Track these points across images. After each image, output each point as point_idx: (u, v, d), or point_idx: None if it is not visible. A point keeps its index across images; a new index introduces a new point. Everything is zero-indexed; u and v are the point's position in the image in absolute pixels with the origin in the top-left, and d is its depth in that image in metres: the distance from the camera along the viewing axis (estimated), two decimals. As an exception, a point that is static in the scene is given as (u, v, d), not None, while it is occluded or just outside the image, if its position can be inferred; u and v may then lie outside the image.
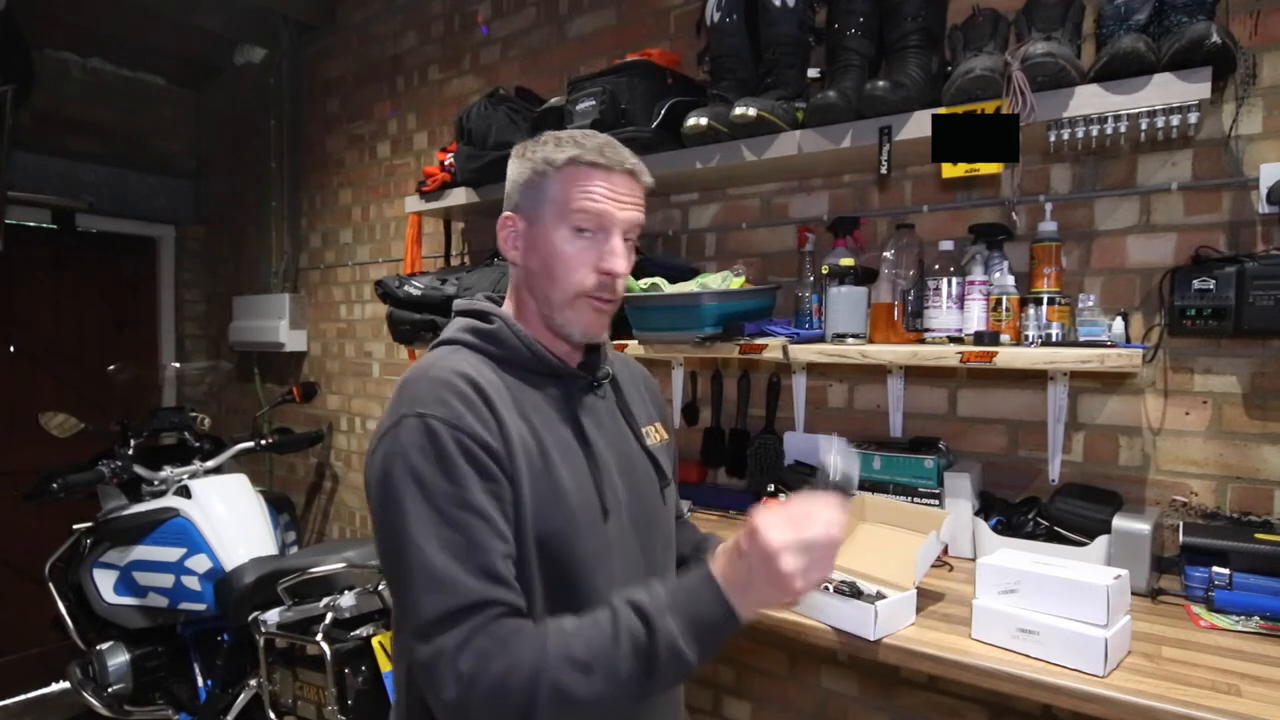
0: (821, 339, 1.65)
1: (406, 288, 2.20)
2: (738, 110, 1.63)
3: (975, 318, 1.49)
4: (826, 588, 1.26)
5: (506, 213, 1.00)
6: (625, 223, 0.95)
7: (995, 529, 1.48)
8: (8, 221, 3.17)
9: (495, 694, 0.75)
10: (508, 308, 1.02)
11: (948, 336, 1.51)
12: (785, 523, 0.79)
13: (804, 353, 1.60)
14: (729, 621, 0.79)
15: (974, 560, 1.43)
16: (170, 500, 2.36)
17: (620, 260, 0.94)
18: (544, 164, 0.95)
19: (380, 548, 0.86)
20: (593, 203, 0.92)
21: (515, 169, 0.99)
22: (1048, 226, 1.49)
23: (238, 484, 2.47)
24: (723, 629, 0.80)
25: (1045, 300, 1.41)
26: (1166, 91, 1.25)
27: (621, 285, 0.97)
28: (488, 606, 0.79)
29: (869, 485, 1.63)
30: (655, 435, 1.10)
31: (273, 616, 2.06)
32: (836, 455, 0.93)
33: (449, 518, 0.81)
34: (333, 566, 1.96)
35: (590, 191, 0.92)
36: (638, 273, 1.86)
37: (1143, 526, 1.31)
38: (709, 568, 0.81)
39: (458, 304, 1.03)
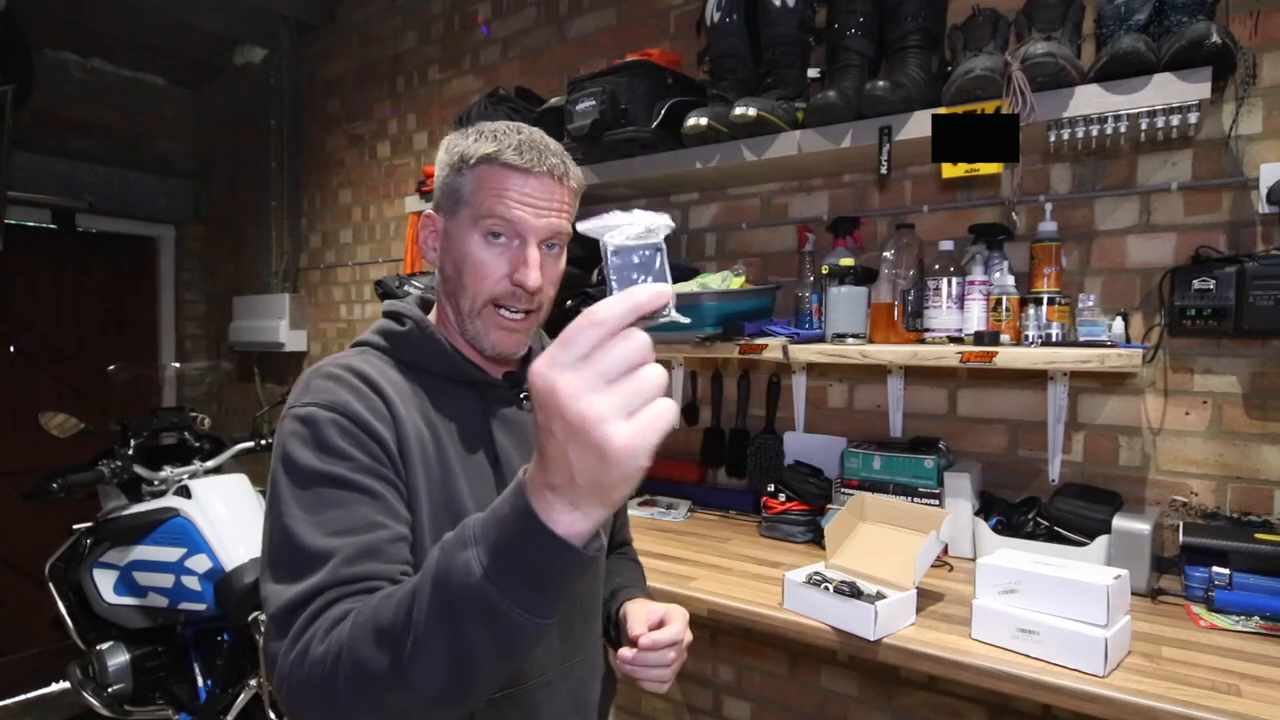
0: (821, 339, 1.65)
1: (406, 288, 2.20)
2: (738, 110, 1.63)
3: (975, 318, 1.49)
4: (827, 587, 1.27)
5: (427, 210, 0.93)
6: (543, 230, 0.86)
7: (995, 529, 1.48)
8: (8, 221, 3.17)
9: (309, 682, 0.64)
10: (434, 311, 0.95)
11: (948, 336, 1.51)
12: (555, 351, 0.51)
13: (804, 353, 1.59)
14: (541, 537, 0.53)
15: (974, 560, 1.43)
16: (170, 500, 2.35)
17: (533, 272, 0.85)
18: (459, 160, 0.87)
19: (262, 543, 0.77)
20: (505, 208, 0.84)
21: (438, 162, 0.91)
22: (1048, 226, 1.49)
23: (238, 484, 2.47)
24: (536, 549, 0.54)
25: (1045, 300, 1.41)
26: (1166, 91, 1.25)
27: (543, 299, 0.89)
28: (349, 584, 0.69)
29: (869, 485, 1.63)
30: None
31: (273, 616, 2.06)
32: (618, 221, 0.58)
33: (324, 498, 0.74)
34: (333, 566, 1.96)
35: (504, 195, 0.84)
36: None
37: (1143, 526, 1.31)
38: (520, 483, 0.56)
39: (385, 304, 0.96)
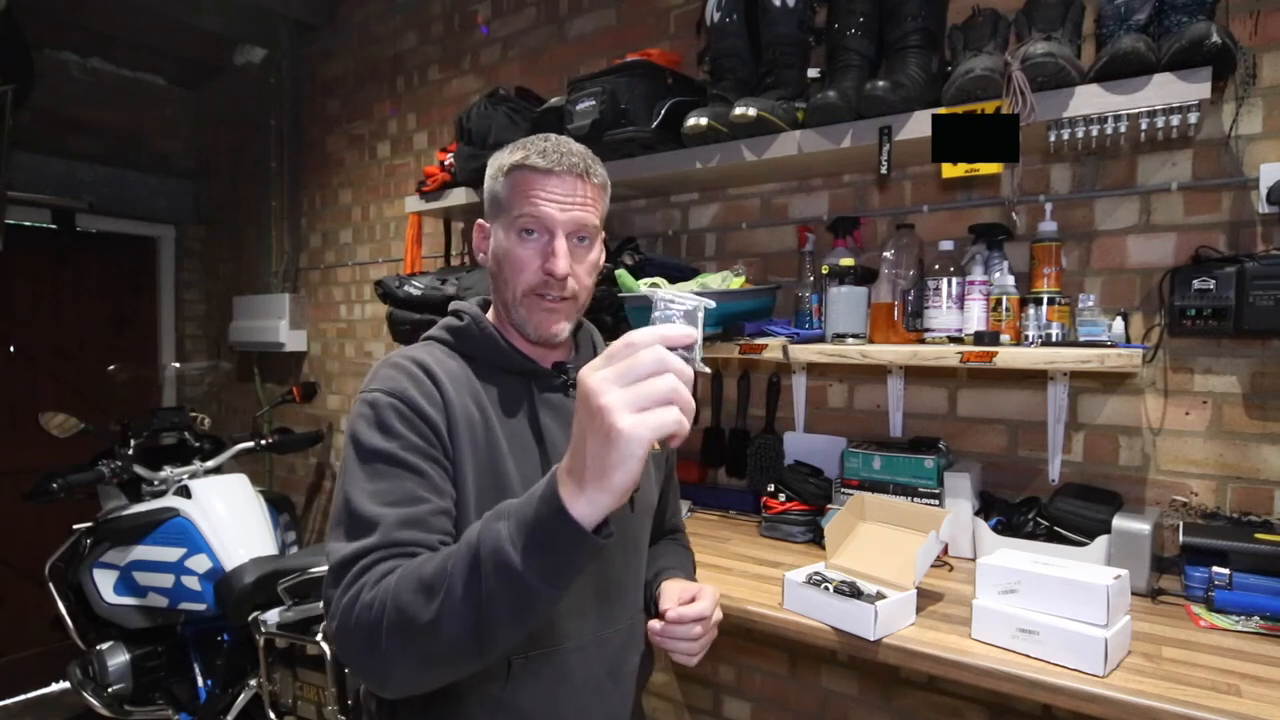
0: (821, 339, 1.65)
1: (406, 288, 2.20)
2: (738, 110, 1.63)
3: (975, 318, 1.49)
4: (827, 587, 1.27)
5: (479, 221, 1.06)
6: (569, 223, 0.97)
7: (995, 529, 1.48)
8: (8, 221, 3.17)
9: (356, 621, 0.76)
10: (490, 311, 1.07)
11: (948, 336, 1.51)
12: (597, 359, 0.67)
13: (804, 353, 1.59)
14: (557, 519, 0.66)
15: (974, 560, 1.43)
16: (170, 500, 2.36)
17: (561, 260, 0.95)
18: (497, 171, 1.00)
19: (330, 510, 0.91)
20: (533, 206, 0.95)
21: (485, 178, 1.04)
22: (1048, 226, 1.49)
23: (238, 484, 2.47)
24: (553, 527, 0.66)
25: (1045, 300, 1.41)
26: (1166, 91, 1.25)
27: (574, 285, 0.99)
28: (389, 547, 0.81)
29: (869, 485, 1.63)
30: None
31: (273, 616, 2.06)
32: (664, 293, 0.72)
33: (379, 473, 0.86)
34: (333, 566, 1.96)
35: (532, 195, 0.96)
36: (637, 273, 1.86)
37: (1143, 526, 1.31)
38: (555, 467, 0.70)
39: (451, 305, 1.08)
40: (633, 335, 0.64)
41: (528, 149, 0.97)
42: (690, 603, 1.01)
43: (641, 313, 1.79)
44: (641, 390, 0.62)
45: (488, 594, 0.69)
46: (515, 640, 0.74)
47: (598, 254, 1.03)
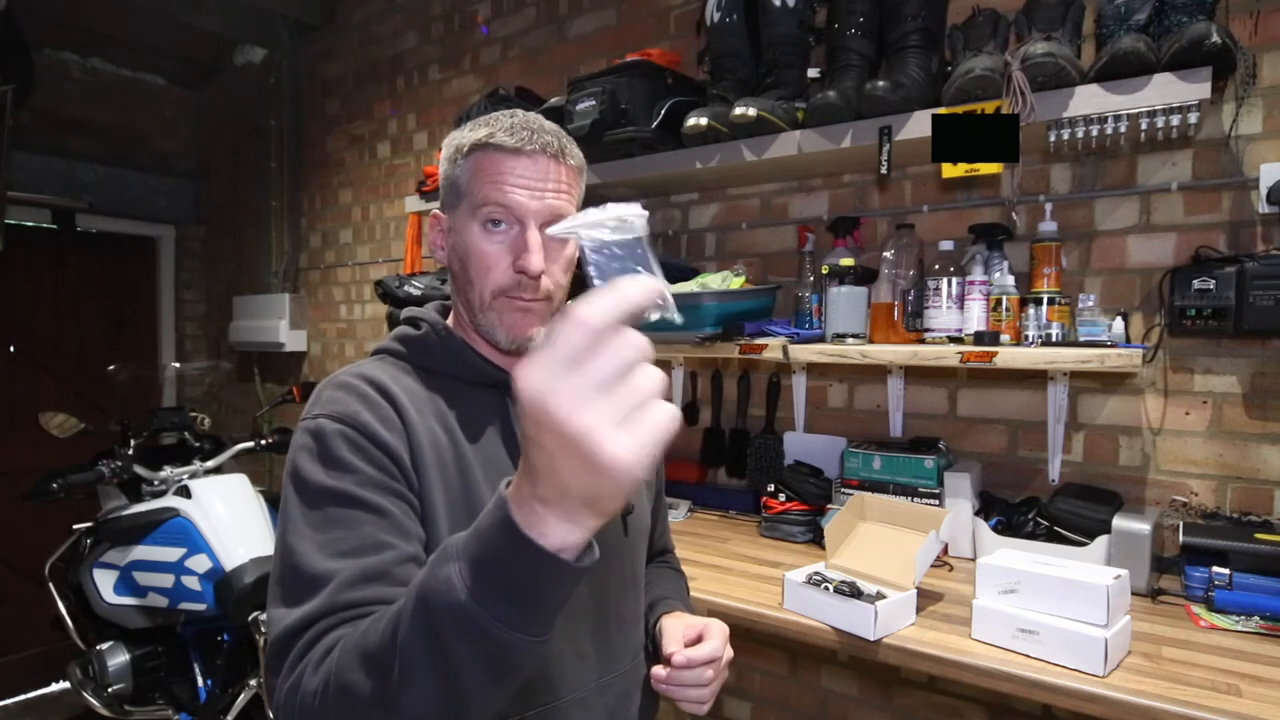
0: (821, 339, 1.65)
1: (406, 288, 2.20)
2: (738, 110, 1.63)
3: (975, 318, 1.49)
4: (827, 587, 1.27)
5: (434, 211, 0.90)
6: (542, 212, 0.82)
7: (995, 529, 1.48)
8: (8, 221, 3.17)
9: (305, 709, 0.61)
10: (452, 314, 0.92)
11: (948, 336, 1.51)
12: (541, 355, 0.46)
13: (804, 353, 1.59)
14: (525, 550, 0.50)
15: (974, 560, 1.43)
16: (170, 500, 2.35)
17: (534, 256, 0.81)
18: (455, 152, 0.85)
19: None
20: (501, 193, 0.80)
21: (441, 159, 0.89)
22: (1048, 226, 1.49)
23: (238, 484, 2.47)
24: (508, 555, 0.51)
25: (1045, 300, 1.41)
26: (1166, 91, 1.25)
27: (549, 282, 0.84)
28: (345, 610, 0.66)
29: (869, 485, 1.63)
30: None
31: (273, 616, 2.06)
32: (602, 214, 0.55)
33: (329, 517, 0.71)
34: (333, 566, 1.96)
35: (499, 179, 0.81)
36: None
37: (1143, 526, 1.31)
38: (502, 493, 0.53)
39: (403, 312, 0.94)
40: (584, 310, 0.45)
41: (492, 126, 0.82)
42: (697, 642, 0.90)
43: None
44: (625, 396, 0.45)
45: (451, 658, 0.54)
46: (501, 701, 0.58)
47: (574, 249, 0.87)
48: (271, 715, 0.67)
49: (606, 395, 0.45)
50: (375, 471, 0.74)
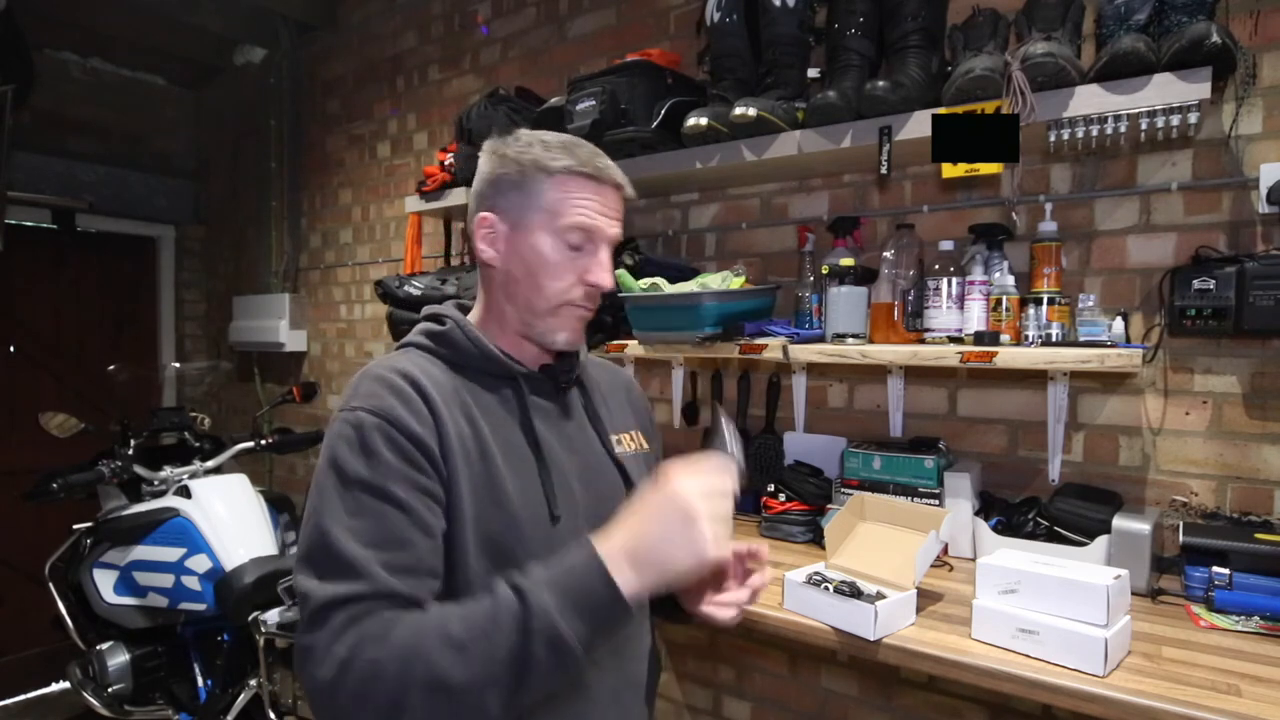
0: (821, 339, 1.65)
1: (406, 288, 2.20)
2: (738, 110, 1.63)
3: (975, 318, 1.49)
4: (827, 587, 1.27)
5: (483, 213, 0.96)
6: (614, 238, 0.96)
7: (995, 529, 1.48)
8: (8, 221, 3.17)
9: (368, 678, 0.71)
10: (476, 311, 1.01)
11: (948, 336, 1.51)
12: (693, 474, 0.78)
13: (804, 353, 1.59)
14: (608, 594, 0.73)
15: (974, 560, 1.43)
16: (170, 500, 2.35)
17: (608, 275, 0.94)
18: (534, 168, 0.92)
19: (300, 535, 0.84)
20: (587, 218, 0.92)
21: (491, 166, 0.96)
22: (1048, 226, 1.49)
23: (238, 484, 2.47)
24: (602, 602, 0.73)
25: (1045, 300, 1.41)
26: (1166, 91, 1.25)
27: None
28: (382, 598, 0.76)
29: (869, 485, 1.63)
30: (629, 444, 1.08)
31: (273, 616, 2.06)
32: (727, 427, 0.98)
33: (363, 506, 0.80)
34: (333, 566, 1.95)
35: (584, 205, 0.92)
36: (637, 273, 1.86)
37: (1143, 526, 1.31)
38: (590, 542, 0.76)
39: (425, 309, 1.03)
40: (720, 476, 0.80)
41: (573, 154, 0.92)
42: (747, 556, 0.99)
43: (640, 313, 1.79)
44: (718, 509, 0.76)
45: (536, 658, 0.71)
46: (540, 693, 0.76)
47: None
48: (318, 678, 0.75)
49: (709, 501, 0.76)
50: (407, 466, 0.83)
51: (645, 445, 1.11)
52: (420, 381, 0.88)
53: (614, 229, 0.96)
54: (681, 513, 0.74)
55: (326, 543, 0.78)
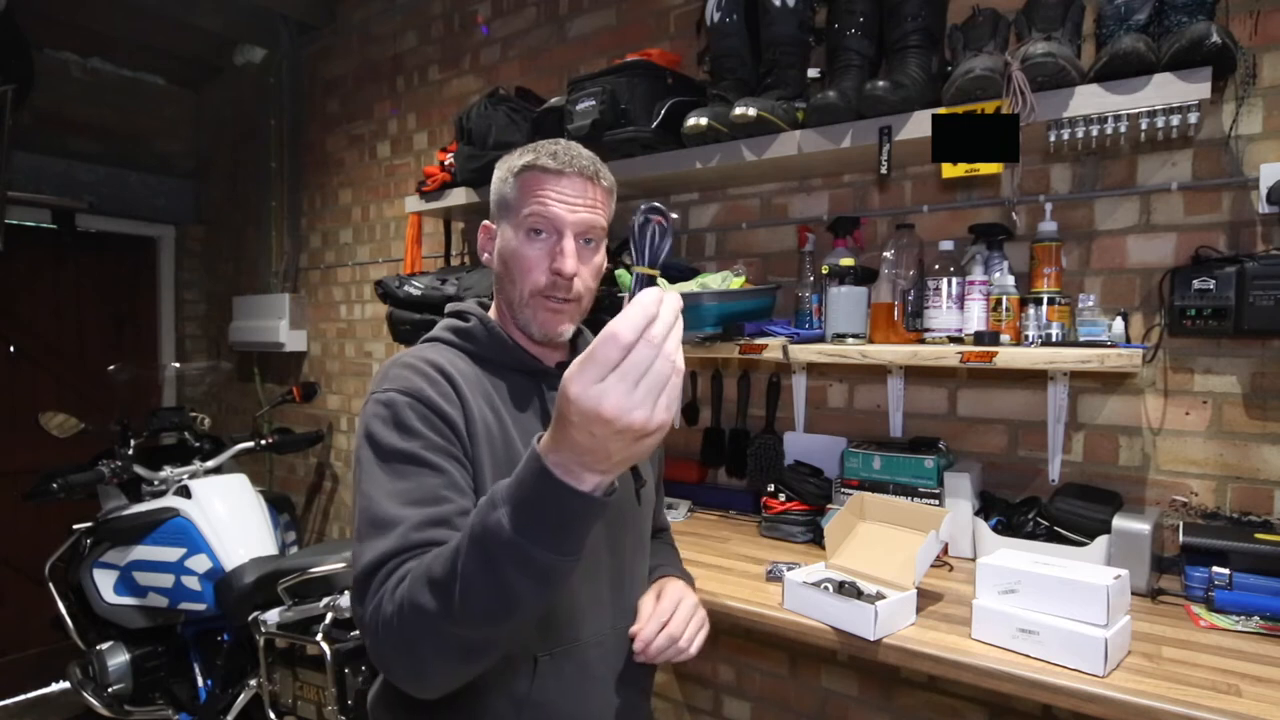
0: (821, 339, 1.65)
1: (406, 288, 2.20)
2: (738, 110, 1.63)
3: (975, 318, 1.49)
4: (827, 587, 1.27)
5: (484, 222, 1.07)
6: (577, 224, 0.98)
7: (995, 529, 1.48)
8: (8, 221, 3.17)
9: (385, 633, 0.76)
10: (492, 310, 1.08)
11: (948, 336, 1.51)
12: (590, 369, 0.61)
13: (804, 353, 1.59)
14: (568, 496, 0.65)
15: (974, 560, 1.43)
16: (170, 500, 2.36)
17: (569, 260, 0.96)
18: (506, 172, 1.01)
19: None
20: (542, 205, 0.96)
21: (492, 180, 1.06)
22: (1048, 226, 1.49)
23: (238, 484, 2.47)
24: (549, 501, 0.66)
25: (1045, 300, 1.41)
26: (1166, 91, 1.25)
27: (580, 285, 1.00)
28: (414, 550, 0.79)
29: (869, 485, 1.63)
30: None
31: (273, 616, 2.06)
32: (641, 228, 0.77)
33: (399, 471, 0.85)
34: (333, 566, 1.96)
35: (541, 195, 0.97)
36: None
37: (1143, 526, 1.31)
38: (536, 452, 0.68)
39: (448, 306, 1.09)
40: (617, 328, 0.59)
41: (538, 151, 0.98)
42: (651, 617, 1.02)
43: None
44: (652, 381, 0.60)
45: (504, 579, 0.68)
46: (546, 604, 0.73)
47: (602, 258, 1.04)
48: (365, 638, 0.80)
49: (640, 386, 0.60)
50: (438, 438, 0.88)
51: None
52: (446, 369, 0.94)
53: (577, 215, 0.97)
54: (621, 434, 0.61)
55: (371, 511, 0.83)
